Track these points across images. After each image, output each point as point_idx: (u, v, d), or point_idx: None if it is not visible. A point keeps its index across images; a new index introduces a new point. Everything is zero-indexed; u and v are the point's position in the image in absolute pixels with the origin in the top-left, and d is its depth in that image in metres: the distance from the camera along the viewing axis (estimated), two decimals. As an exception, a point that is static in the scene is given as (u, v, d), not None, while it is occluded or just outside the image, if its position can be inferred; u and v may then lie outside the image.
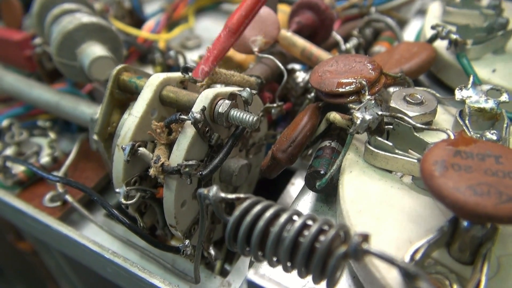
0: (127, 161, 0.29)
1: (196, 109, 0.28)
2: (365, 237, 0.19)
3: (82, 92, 0.50)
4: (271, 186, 0.45)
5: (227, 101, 0.29)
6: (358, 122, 0.26)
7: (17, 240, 0.58)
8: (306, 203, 0.31)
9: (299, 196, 0.32)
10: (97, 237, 0.36)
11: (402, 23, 0.57)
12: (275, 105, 0.37)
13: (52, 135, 0.43)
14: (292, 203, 0.32)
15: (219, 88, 0.31)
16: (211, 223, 0.34)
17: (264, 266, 0.26)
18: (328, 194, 0.31)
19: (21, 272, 0.76)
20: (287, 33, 0.39)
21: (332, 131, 0.33)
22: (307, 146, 0.34)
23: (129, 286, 0.33)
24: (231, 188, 0.37)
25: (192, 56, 0.57)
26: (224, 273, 0.38)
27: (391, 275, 0.21)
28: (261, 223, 0.21)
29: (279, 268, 0.21)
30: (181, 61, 0.49)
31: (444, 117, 0.32)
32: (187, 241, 0.30)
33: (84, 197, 0.38)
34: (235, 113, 0.29)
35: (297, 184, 0.42)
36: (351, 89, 0.30)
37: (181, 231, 0.31)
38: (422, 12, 0.57)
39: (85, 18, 0.41)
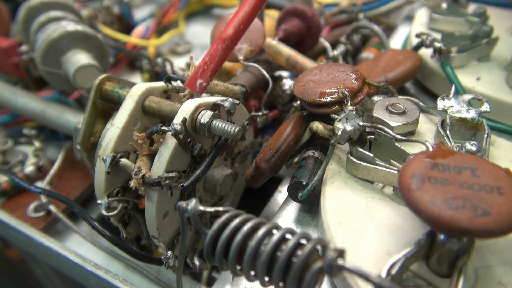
0: (107, 173, 0.29)
1: (177, 120, 0.28)
2: (341, 253, 0.19)
3: (69, 99, 0.49)
4: (258, 194, 0.45)
5: (209, 112, 0.29)
6: (339, 133, 0.26)
7: (5, 247, 0.58)
8: (289, 213, 0.31)
9: (283, 206, 0.32)
10: (81, 247, 0.36)
11: (391, 29, 0.57)
12: (260, 113, 0.37)
13: (37, 143, 0.43)
14: (276, 213, 0.32)
15: (201, 99, 0.31)
16: (196, 233, 0.34)
17: (244, 280, 0.26)
18: (311, 204, 0.31)
19: (12, 279, 0.76)
20: (272, 41, 0.39)
21: (316, 140, 0.33)
22: (292, 154, 0.34)
23: (112, 298, 0.33)
24: (217, 198, 0.37)
25: (181, 62, 0.57)
26: (211, 282, 0.38)
27: (369, 289, 0.21)
28: (238, 237, 0.21)
29: (258, 283, 0.21)
30: (168, 68, 0.49)
31: (427, 127, 0.32)
32: (169, 253, 0.30)
33: (69, 207, 0.38)
34: (217, 123, 0.28)
35: (284, 191, 0.42)
36: (333, 99, 0.30)
37: (163, 242, 0.30)
38: (410, 18, 0.57)
39: (70, 26, 0.40)
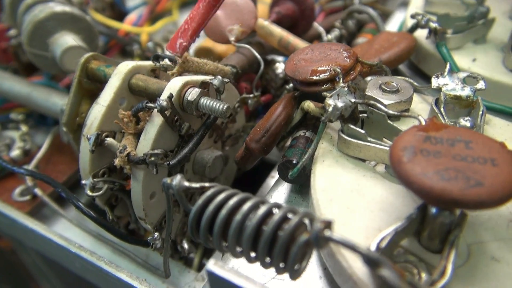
0: (92, 151, 0.28)
1: (164, 96, 0.27)
2: (328, 224, 0.18)
3: (60, 85, 0.48)
4: (251, 180, 0.44)
5: (196, 89, 0.28)
6: (330, 109, 0.26)
7: (-5, 238, 0.57)
8: (280, 194, 0.30)
9: (273, 187, 0.31)
10: (69, 232, 0.35)
11: (387, 15, 0.56)
12: (251, 95, 0.37)
13: (24, 128, 0.42)
14: (266, 194, 0.31)
15: (190, 76, 0.30)
16: (185, 216, 0.33)
17: (233, 258, 0.25)
18: (302, 185, 0.30)
19: (4, 271, 0.75)
20: (264, 22, 0.38)
21: (308, 120, 0.32)
22: (283, 136, 0.33)
23: (98, 281, 0.32)
24: (207, 181, 0.36)
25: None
26: (202, 268, 0.37)
27: (358, 265, 0.20)
28: (223, 211, 0.20)
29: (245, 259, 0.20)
30: (159, 53, 0.48)
31: (421, 106, 0.31)
32: (156, 234, 0.29)
33: (56, 191, 0.37)
34: (205, 101, 0.28)
35: (277, 177, 0.41)
36: (325, 77, 0.29)
37: (151, 224, 0.30)
38: (406, 4, 0.56)
39: (57, 7, 0.39)
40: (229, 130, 0.36)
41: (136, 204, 0.28)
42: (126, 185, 0.31)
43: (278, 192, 0.30)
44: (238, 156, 0.32)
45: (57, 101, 0.39)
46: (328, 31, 0.46)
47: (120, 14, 0.62)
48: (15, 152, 0.39)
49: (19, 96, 0.41)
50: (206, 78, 0.30)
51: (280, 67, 0.42)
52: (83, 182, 0.29)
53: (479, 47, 0.37)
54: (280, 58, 0.45)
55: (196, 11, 0.25)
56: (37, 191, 0.36)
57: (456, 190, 0.18)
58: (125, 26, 0.58)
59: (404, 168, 0.20)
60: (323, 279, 0.24)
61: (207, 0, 0.25)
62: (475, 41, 0.38)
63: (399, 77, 0.31)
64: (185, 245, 0.32)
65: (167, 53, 0.51)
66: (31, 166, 0.38)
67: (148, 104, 0.27)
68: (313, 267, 0.25)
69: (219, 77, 0.29)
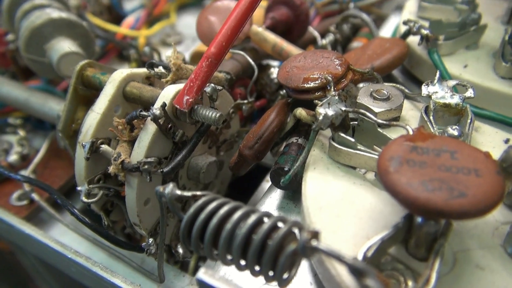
0: (87, 159, 0.28)
1: (157, 105, 0.28)
2: (315, 234, 0.19)
3: (57, 89, 0.49)
4: (246, 183, 0.44)
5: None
6: (321, 118, 0.26)
7: (-6, 240, 0.57)
8: (273, 201, 0.31)
9: (266, 194, 0.32)
10: (65, 237, 0.36)
11: (383, 19, 0.56)
12: (245, 101, 0.37)
13: (21, 132, 0.42)
14: (259, 201, 0.31)
15: (183, 84, 0.30)
16: (179, 221, 0.34)
17: (222, 265, 0.25)
18: (295, 191, 0.31)
19: (2, 271, 0.75)
20: (258, 29, 0.38)
21: (301, 127, 0.33)
22: (277, 142, 0.33)
23: (94, 286, 0.33)
24: (201, 186, 0.36)
25: (170, 52, 0.56)
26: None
27: (346, 273, 0.21)
28: (214, 220, 0.21)
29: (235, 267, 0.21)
30: (156, 57, 0.48)
31: (412, 113, 0.32)
32: (150, 240, 0.29)
33: (50, 195, 0.37)
34: (198, 109, 0.28)
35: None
36: (317, 84, 0.29)
37: (145, 230, 0.30)
38: (401, 8, 0.56)
39: (54, 13, 0.40)
40: (223, 135, 0.37)
41: (130, 211, 0.29)
42: (121, 191, 0.31)
43: (270, 198, 0.31)
44: (232, 162, 0.32)
45: (54, 106, 0.39)
46: (323, 35, 0.47)
47: (117, 17, 0.63)
48: (13, 157, 0.40)
49: (17, 101, 0.41)
50: (200, 85, 0.30)
51: (275, 72, 0.42)
52: (79, 188, 0.29)
53: (471, 53, 0.38)
54: (275, 63, 0.45)
55: (200, 69, 0.27)
56: (34, 196, 0.36)
57: (440, 200, 0.19)
58: (123, 29, 0.58)
59: (390, 178, 0.20)
60: (313, 286, 0.25)
61: (209, 60, 0.26)
62: (467, 47, 0.38)
63: (390, 84, 0.32)
64: (180, 250, 0.33)
65: (164, 59, 0.52)
66: (28, 171, 0.38)
67: (141, 113, 0.27)
68: (303, 273, 0.25)
69: (212, 84, 0.30)
